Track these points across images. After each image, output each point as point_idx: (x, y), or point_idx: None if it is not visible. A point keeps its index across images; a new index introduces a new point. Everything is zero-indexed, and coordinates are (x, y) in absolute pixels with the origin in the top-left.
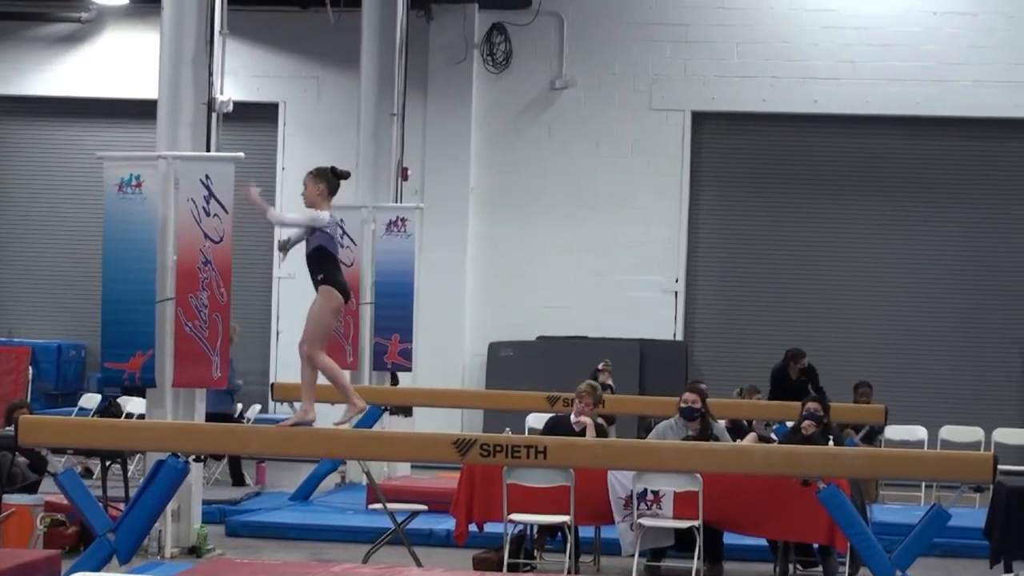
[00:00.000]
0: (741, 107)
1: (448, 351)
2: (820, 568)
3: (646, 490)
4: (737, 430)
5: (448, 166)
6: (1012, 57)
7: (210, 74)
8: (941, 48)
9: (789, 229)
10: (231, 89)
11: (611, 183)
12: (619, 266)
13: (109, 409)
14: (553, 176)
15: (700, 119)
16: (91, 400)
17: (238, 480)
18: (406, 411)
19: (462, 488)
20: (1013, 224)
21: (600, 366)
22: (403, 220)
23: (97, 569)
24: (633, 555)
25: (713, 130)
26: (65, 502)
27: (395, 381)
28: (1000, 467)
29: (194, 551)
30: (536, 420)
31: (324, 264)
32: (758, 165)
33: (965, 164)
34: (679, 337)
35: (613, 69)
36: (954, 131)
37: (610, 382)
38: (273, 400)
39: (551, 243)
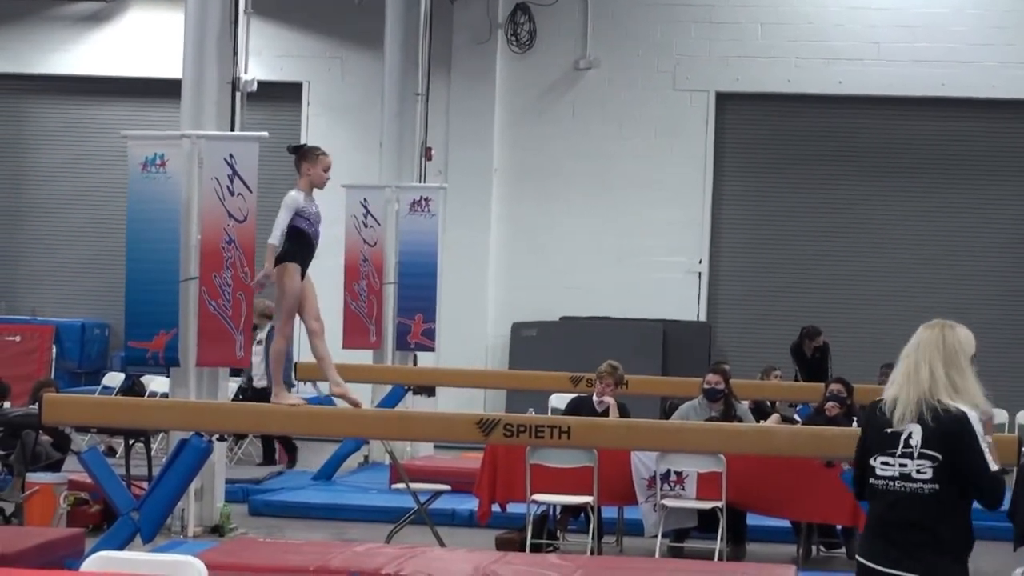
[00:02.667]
0: (765, 88)
1: (471, 331)
2: (843, 549)
3: (669, 471)
4: (760, 411)
5: (472, 146)
6: None
7: (234, 53)
8: (966, 29)
9: (813, 210)
10: (255, 69)
11: (635, 164)
12: (643, 247)
13: (132, 388)
14: (577, 157)
15: (724, 100)
16: (114, 379)
17: (269, 458)
18: (429, 391)
19: (485, 468)
20: None
21: None
22: (427, 200)
23: (120, 548)
24: (656, 536)
25: (737, 111)
26: (89, 481)
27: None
28: None
29: (217, 530)
30: (559, 400)
31: None
32: (782, 146)
33: (990, 145)
34: (702, 318)
35: (637, 50)
36: (979, 112)
37: None
38: (296, 380)
39: (574, 224)
